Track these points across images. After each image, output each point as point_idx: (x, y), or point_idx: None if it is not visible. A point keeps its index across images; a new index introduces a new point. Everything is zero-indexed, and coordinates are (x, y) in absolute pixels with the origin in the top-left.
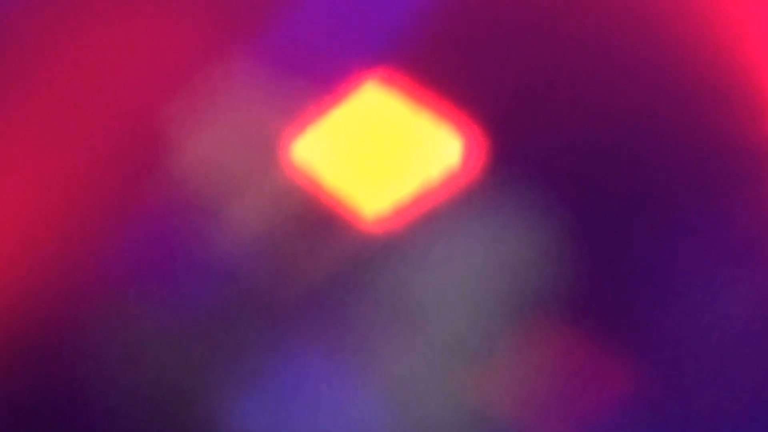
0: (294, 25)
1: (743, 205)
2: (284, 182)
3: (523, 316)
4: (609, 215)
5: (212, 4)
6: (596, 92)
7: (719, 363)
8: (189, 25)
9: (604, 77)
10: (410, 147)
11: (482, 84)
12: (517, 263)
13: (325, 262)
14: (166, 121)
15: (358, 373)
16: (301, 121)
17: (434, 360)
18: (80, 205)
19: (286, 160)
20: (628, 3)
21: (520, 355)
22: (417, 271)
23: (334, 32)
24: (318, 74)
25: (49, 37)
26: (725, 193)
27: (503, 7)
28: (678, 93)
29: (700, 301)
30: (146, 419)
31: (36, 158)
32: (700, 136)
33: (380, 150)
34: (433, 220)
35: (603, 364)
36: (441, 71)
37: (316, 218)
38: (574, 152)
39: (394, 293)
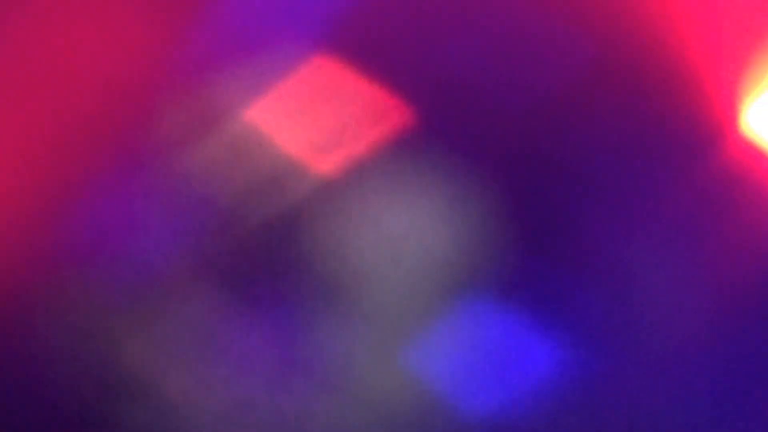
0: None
1: (679, 183)
2: (227, 150)
3: (456, 289)
4: (542, 190)
5: None
6: (531, 69)
7: (650, 340)
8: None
9: (539, 53)
10: (344, 122)
11: (417, 63)
12: (450, 238)
13: (265, 232)
14: (123, 97)
15: (297, 347)
16: (249, 90)
17: (367, 335)
18: (34, 180)
19: (236, 129)
20: None
21: (453, 329)
22: (348, 245)
23: (277, 12)
24: (264, 50)
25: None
26: (661, 170)
27: None
28: (612, 69)
29: (631, 278)
30: (97, 392)
31: None
32: (635, 114)
33: (318, 121)
34: (366, 195)
35: (535, 338)
36: (377, 49)
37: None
38: (507, 129)
39: (327, 265)
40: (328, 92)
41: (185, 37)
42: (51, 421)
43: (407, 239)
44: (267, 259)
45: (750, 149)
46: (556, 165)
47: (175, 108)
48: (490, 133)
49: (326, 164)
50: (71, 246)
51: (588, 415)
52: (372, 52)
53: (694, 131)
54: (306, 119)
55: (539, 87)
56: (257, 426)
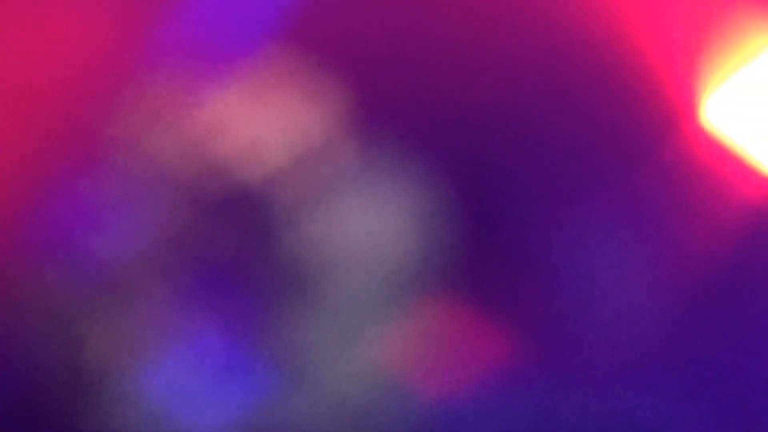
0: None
1: (638, 176)
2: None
3: (409, 284)
4: (493, 184)
5: None
6: (490, 65)
7: (597, 331)
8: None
9: (497, 48)
10: (297, 119)
11: (368, 57)
12: (404, 233)
13: (226, 227)
14: (83, 93)
15: (258, 342)
16: (207, 85)
17: (331, 328)
18: None
19: (189, 128)
20: None
21: (407, 322)
22: (309, 240)
23: (229, 14)
24: (222, 46)
25: None
26: (621, 163)
27: None
28: (571, 63)
29: (580, 270)
30: (58, 388)
31: None
32: (594, 108)
33: (271, 120)
34: (320, 190)
35: (487, 330)
36: (335, 45)
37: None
38: (460, 124)
39: (291, 260)
40: (288, 88)
41: (143, 34)
42: (12, 417)
43: (369, 235)
44: (230, 255)
45: (709, 142)
46: (513, 160)
47: (135, 104)
48: (448, 130)
49: (286, 159)
50: (31, 243)
51: (532, 410)
52: (330, 49)
53: (653, 124)
54: (263, 114)
55: (498, 83)
56: (222, 420)
